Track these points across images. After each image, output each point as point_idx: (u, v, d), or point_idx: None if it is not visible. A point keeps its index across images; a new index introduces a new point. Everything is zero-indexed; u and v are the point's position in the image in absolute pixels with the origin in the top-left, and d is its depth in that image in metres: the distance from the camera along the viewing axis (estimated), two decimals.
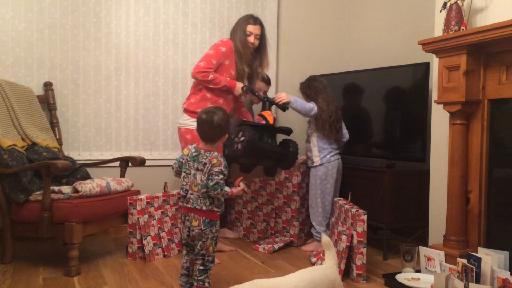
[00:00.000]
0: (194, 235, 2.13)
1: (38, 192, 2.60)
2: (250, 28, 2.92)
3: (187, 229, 2.15)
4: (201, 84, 2.89)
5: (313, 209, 3.10)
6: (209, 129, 2.14)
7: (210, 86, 2.87)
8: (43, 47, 3.27)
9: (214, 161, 2.10)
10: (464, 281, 2.02)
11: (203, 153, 2.13)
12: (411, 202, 3.04)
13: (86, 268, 2.62)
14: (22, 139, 2.87)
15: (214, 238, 2.15)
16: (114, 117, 3.50)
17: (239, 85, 2.94)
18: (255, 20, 2.95)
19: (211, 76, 2.82)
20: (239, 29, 2.94)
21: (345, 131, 3.19)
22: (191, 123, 2.80)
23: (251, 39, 2.92)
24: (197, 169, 2.12)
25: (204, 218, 2.11)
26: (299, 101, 3.06)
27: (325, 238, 1.94)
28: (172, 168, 2.25)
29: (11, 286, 2.32)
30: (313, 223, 3.11)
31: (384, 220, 2.98)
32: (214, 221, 2.15)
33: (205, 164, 2.11)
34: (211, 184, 2.07)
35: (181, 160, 2.20)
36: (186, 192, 2.15)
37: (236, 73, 2.96)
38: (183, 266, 2.20)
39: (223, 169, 2.10)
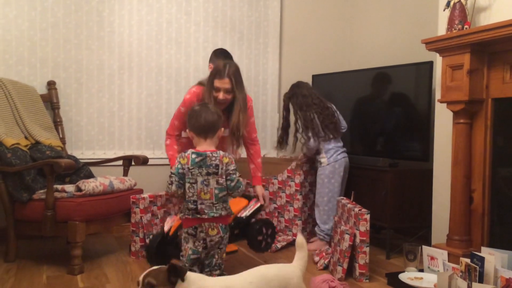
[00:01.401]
0: (212, 245, 2.01)
1: (42, 191, 2.60)
2: (217, 83, 2.50)
3: (201, 241, 2.00)
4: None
5: (319, 208, 3.09)
6: (206, 116, 2.00)
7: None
8: (47, 46, 3.28)
9: (226, 160, 2.00)
10: (467, 280, 2.02)
11: (210, 155, 1.99)
12: (414, 201, 3.03)
13: (89, 266, 2.63)
14: (26, 138, 2.88)
15: (226, 243, 2.10)
16: (117, 116, 3.50)
17: None
18: (222, 73, 2.49)
19: (166, 142, 2.66)
20: (208, 80, 2.56)
21: (343, 123, 3.21)
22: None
23: (219, 95, 2.50)
24: (208, 174, 1.97)
25: (221, 225, 2.01)
26: (305, 150, 3.17)
27: (299, 238, 1.84)
28: (170, 183, 2.02)
29: (15, 285, 2.33)
30: (318, 222, 3.10)
31: (387, 220, 2.97)
32: (228, 225, 2.07)
33: (217, 165, 1.98)
34: (232, 184, 2.00)
35: (181, 171, 2.00)
36: (195, 203, 1.97)
37: None
38: None
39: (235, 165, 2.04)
